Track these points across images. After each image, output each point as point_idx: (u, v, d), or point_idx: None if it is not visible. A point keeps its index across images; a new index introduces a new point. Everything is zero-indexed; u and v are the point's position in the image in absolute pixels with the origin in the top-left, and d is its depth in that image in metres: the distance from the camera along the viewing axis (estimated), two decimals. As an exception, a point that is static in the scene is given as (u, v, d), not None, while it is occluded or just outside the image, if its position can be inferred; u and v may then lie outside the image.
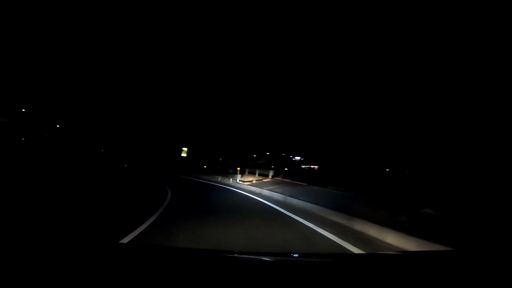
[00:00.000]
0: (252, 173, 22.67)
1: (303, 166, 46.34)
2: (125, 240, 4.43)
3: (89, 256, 1.33)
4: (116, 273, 1.13)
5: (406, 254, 2.63)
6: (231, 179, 20.31)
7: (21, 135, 47.17)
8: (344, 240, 5.28)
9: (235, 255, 1.77)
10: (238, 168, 20.65)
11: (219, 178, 22.63)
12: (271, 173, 20.51)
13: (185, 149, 39.22)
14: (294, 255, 2.22)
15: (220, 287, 1.09)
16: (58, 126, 57.76)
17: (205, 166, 33.78)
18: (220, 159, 46.23)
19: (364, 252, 4.39)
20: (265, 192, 13.66)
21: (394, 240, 5.08)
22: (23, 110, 49.55)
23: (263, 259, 1.65)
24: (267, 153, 62.15)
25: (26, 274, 1.02)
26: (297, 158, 58.48)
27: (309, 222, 7.05)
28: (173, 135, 52.23)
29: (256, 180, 19.48)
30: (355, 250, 4.71)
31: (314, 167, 42.88)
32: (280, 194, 11.98)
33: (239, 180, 19.50)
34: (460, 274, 1.29)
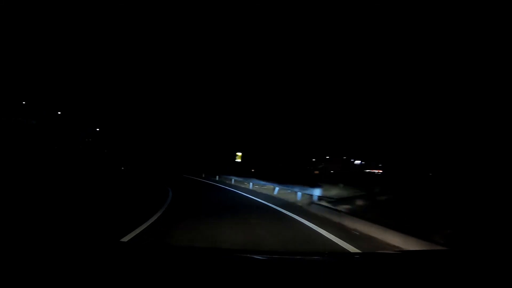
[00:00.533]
0: (329, 183, 12.97)
1: (366, 171, 42.57)
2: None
3: (90, 254, 1.32)
4: (117, 271, 1.12)
5: (403, 253, 2.59)
6: (298, 194, 10.54)
7: (53, 138, 45.37)
8: None
9: (235, 254, 1.81)
10: (316, 172, 11.25)
11: (276, 190, 13.04)
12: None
13: (239, 153, 34.83)
14: (293, 254, 2.27)
15: (221, 286, 1.07)
16: (98, 129, 55.74)
17: (252, 170, 27.20)
18: (280, 164, 39.73)
19: (360, 251, 4.07)
20: None
21: None
22: (59, 112, 48.05)
23: (263, 258, 1.59)
24: (327, 157, 54.85)
25: (27, 273, 0.99)
26: (358, 162, 55.09)
27: None
28: (227, 140, 46.17)
29: (354, 197, 9.42)
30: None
31: (375, 172, 40.59)
32: None
33: (320, 196, 9.22)
34: (457, 273, 1.27)
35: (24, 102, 44.06)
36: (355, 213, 6.91)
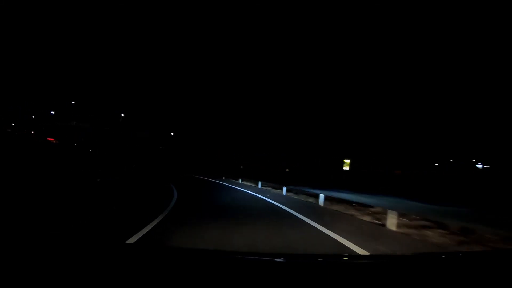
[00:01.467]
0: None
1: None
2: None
3: (95, 256, 1.27)
4: (123, 273, 1.08)
5: (414, 255, 2.41)
6: None
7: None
8: None
9: (242, 256, 1.75)
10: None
11: None
12: None
13: (347, 161, 31.40)
14: (299, 256, 2.09)
15: None
16: (172, 134, 51.87)
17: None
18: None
19: (369, 253, 3.65)
20: None
21: None
22: (122, 115, 46.02)
23: (269, 260, 1.54)
24: (451, 160, 45.47)
25: (32, 274, 0.97)
26: (480, 165, 47.47)
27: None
28: (331, 144, 38.99)
29: None
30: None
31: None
32: None
33: None
34: (468, 276, 1.22)
35: (73, 102, 42.45)
36: None
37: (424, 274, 1.26)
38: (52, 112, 46.94)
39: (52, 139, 42.05)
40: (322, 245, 4.09)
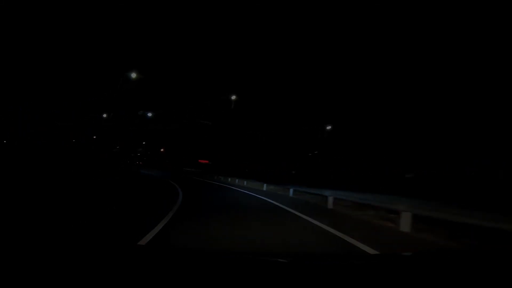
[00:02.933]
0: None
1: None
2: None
3: (107, 257, 1.27)
4: (135, 275, 1.08)
5: (421, 253, 2.19)
6: None
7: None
8: None
9: (255, 257, 1.74)
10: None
11: None
12: None
13: None
14: (307, 257, 2.05)
15: None
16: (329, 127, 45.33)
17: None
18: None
19: (378, 253, 3.93)
20: None
21: None
22: (233, 97, 44.90)
23: (279, 261, 1.56)
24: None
25: (42, 277, 0.95)
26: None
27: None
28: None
29: None
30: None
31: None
32: None
33: None
34: (480, 274, 1.18)
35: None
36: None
37: (428, 273, 1.22)
38: (149, 114, 44.49)
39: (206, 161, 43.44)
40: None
